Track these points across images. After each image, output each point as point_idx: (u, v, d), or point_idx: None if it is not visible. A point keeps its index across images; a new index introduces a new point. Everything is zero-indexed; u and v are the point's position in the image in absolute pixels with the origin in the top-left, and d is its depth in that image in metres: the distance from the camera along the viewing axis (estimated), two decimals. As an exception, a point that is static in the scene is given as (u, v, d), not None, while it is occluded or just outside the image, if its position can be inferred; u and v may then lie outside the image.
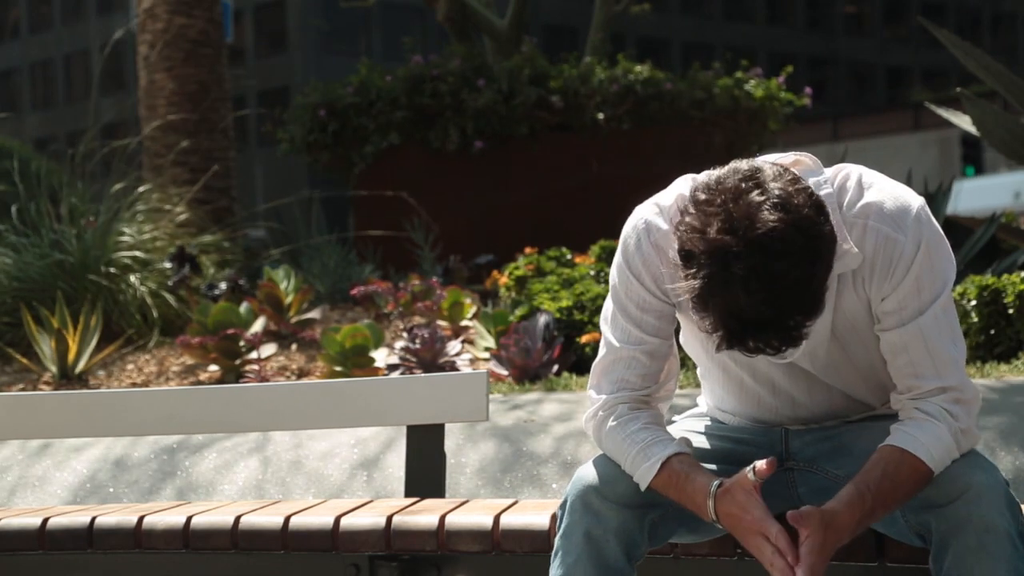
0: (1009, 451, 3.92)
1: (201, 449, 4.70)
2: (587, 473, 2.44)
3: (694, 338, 2.56)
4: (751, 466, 2.29)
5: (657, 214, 2.45)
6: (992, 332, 5.24)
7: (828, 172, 2.38)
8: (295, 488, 4.40)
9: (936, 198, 6.96)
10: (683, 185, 2.46)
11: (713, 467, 2.49)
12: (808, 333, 2.22)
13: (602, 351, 2.51)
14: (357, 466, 4.43)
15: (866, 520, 2.29)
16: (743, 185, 2.20)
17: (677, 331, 2.56)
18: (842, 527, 2.25)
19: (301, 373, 6.20)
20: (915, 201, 2.36)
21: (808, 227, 2.17)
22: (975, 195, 18.68)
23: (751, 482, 2.28)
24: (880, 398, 2.54)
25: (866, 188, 2.37)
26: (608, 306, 2.51)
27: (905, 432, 2.32)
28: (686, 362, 4.88)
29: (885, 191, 2.36)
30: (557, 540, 2.42)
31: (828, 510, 2.25)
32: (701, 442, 2.56)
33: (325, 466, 4.47)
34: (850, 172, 2.40)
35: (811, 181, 2.32)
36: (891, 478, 2.28)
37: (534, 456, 4.31)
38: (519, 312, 6.02)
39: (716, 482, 2.32)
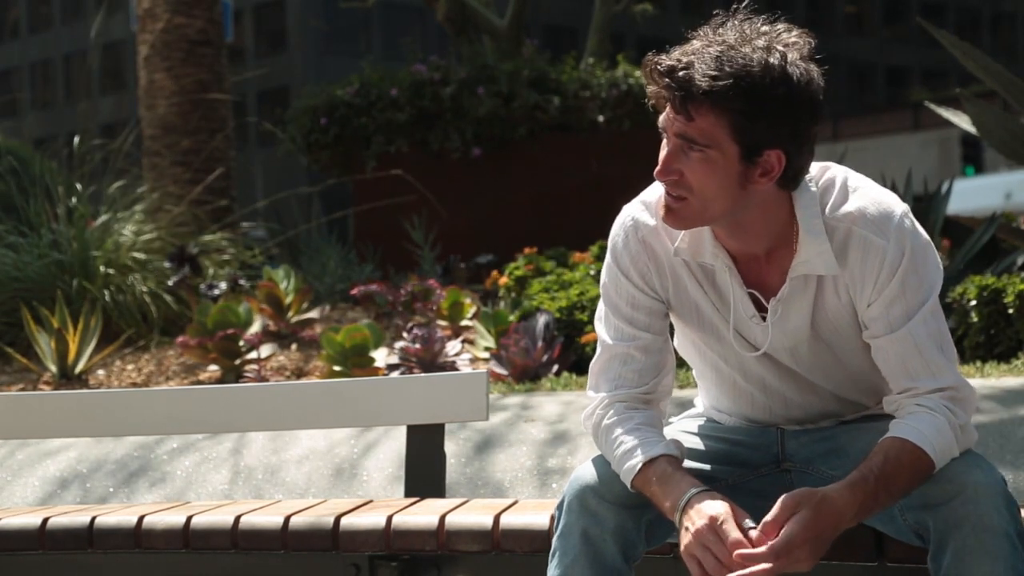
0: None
1: (180, 451, 4.70)
2: (584, 473, 2.44)
3: (687, 340, 2.57)
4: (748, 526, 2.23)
5: (643, 210, 2.47)
6: (992, 332, 5.24)
7: (813, 171, 2.39)
8: (273, 492, 4.40)
9: (936, 198, 6.96)
10: None
11: (708, 467, 2.49)
12: (688, 103, 2.24)
13: (598, 350, 2.52)
14: (340, 469, 4.42)
15: (869, 504, 2.24)
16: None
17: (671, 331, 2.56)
18: (843, 506, 2.21)
19: (300, 373, 6.20)
20: (898, 207, 2.36)
21: (795, 59, 2.27)
22: (967, 196, 18.68)
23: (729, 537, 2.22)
24: (873, 398, 2.54)
25: (851, 192, 2.37)
26: (601, 305, 2.52)
27: (906, 424, 2.31)
28: (686, 361, 4.88)
29: (869, 196, 2.36)
30: (555, 540, 2.41)
31: (822, 490, 2.22)
32: (697, 443, 2.56)
33: (308, 469, 4.47)
34: (835, 174, 2.40)
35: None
36: (893, 463, 2.26)
37: (534, 456, 4.31)
38: (519, 312, 6.02)
39: (690, 492, 2.28)
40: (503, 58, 9.81)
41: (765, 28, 2.29)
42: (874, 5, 55.20)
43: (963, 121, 6.37)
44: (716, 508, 2.23)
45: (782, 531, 2.19)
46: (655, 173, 2.32)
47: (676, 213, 2.33)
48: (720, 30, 2.30)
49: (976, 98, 6.27)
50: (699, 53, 2.26)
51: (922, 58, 52.86)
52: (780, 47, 2.26)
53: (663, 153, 2.32)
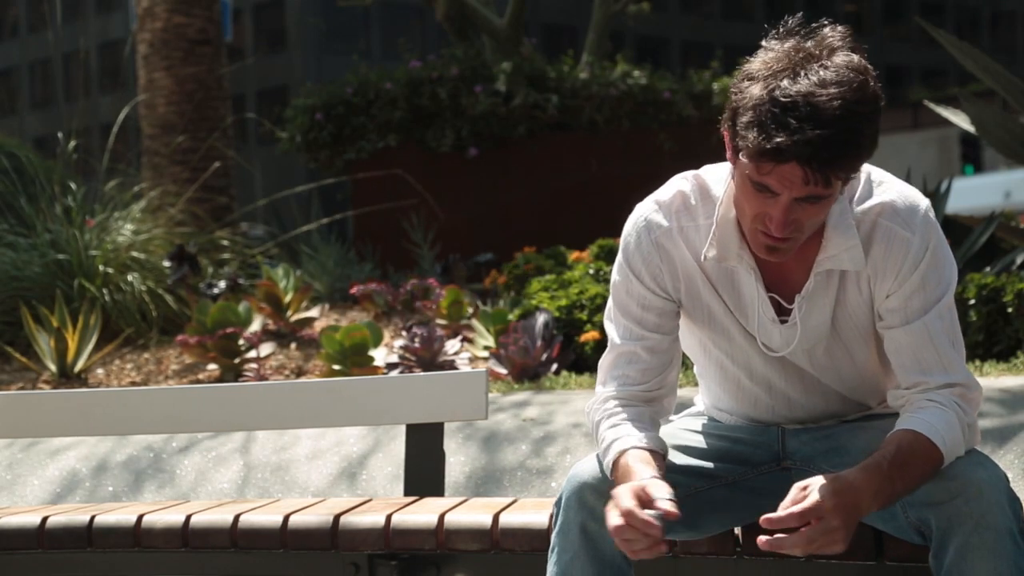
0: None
1: (185, 451, 4.70)
2: (582, 469, 2.44)
3: (693, 337, 2.57)
4: (659, 509, 2.21)
5: (657, 211, 2.46)
6: (991, 331, 5.24)
7: None
8: (277, 492, 4.40)
9: (935, 197, 6.96)
10: (682, 182, 2.47)
11: (708, 465, 2.49)
12: (830, 173, 2.18)
13: (608, 347, 2.53)
14: (341, 469, 4.42)
15: (885, 490, 2.22)
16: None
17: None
18: (859, 484, 2.19)
19: (300, 372, 6.20)
20: (922, 201, 2.39)
21: (872, 80, 2.23)
22: (966, 194, 18.70)
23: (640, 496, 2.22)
24: (876, 398, 2.54)
25: (876, 186, 2.39)
26: (610, 303, 2.52)
27: (918, 417, 2.31)
28: (685, 360, 4.88)
29: (895, 190, 2.39)
30: (553, 537, 2.42)
31: (842, 481, 2.19)
32: (697, 440, 2.56)
33: (309, 468, 4.47)
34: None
35: None
36: (907, 453, 2.26)
37: (533, 454, 4.31)
38: (518, 311, 6.02)
39: (644, 477, 2.27)
40: (502, 57, 9.81)
41: (833, 49, 2.25)
42: (874, 5, 55.18)
43: (962, 120, 6.37)
44: (620, 500, 2.23)
45: (807, 499, 2.17)
46: (774, 228, 2.24)
47: (782, 251, 2.30)
48: (804, 64, 2.22)
49: (975, 97, 6.28)
50: (817, 118, 2.16)
51: (921, 57, 52.86)
52: (861, 70, 2.23)
53: (775, 208, 2.24)
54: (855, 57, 2.25)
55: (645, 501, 2.21)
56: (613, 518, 2.21)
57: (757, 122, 2.20)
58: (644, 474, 2.29)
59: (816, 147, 2.16)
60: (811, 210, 2.26)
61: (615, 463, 2.35)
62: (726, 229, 2.39)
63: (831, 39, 2.26)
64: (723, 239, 2.39)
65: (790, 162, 2.18)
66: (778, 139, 2.17)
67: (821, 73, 2.20)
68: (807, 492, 2.18)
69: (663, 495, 2.22)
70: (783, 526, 2.17)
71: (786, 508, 2.18)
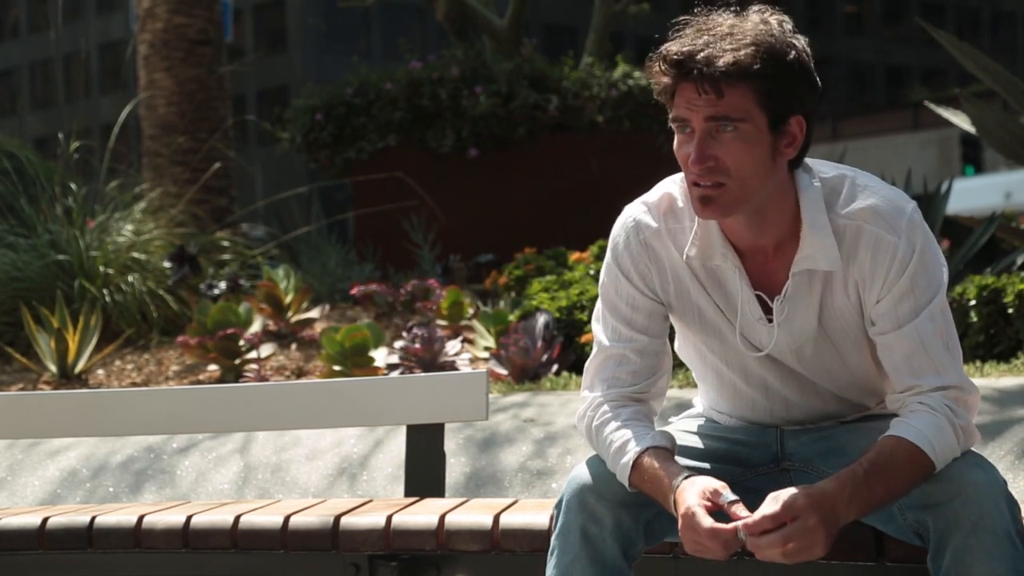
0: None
1: (184, 451, 4.70)
2: (582, 472, 2.44)
3: (688, 343, 2.57)
4: (727, 499, 2.25)
5: (645, 212, 2.46)
6: (992, 332, 5.24)
7: (817, 168, 2.41)
8: (277, 492, 4.40)
9: (936, 198, 6.96)
10: (670, 185, 2.48)
11: (706, 466, 2.50)
12: (720, 82, 2.25)
13: (593, 350, 2.53)
14: (341, 469, 4.42)
15: (863, 495, 2.23)
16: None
17: (672, 335, 2.56)
18: (831, 491, 2.21)
19: (300, 373, 6.20)
20: (908, 204, 2.37)
21: (786, 33, 2.32)
22: (966, 195, 18.71)
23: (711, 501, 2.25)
24: (874, 399, 2.54)
25: (860, 190, 2.38)
26: (598, 305, 2.52)
27: (905, 423, 2.31)
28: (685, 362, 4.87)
29: (879, 194, 2.38)
30: (553, 539, 2.41)
31: (815, 488, 2.21)
32: (695, 441, 2.56)
33: (309, 469, 4.47)
34: (843, 173, 2.41)
35: (801, 178, 2.37)
36: (886, 458, 2.26)
37: (533, 455, 4.31)
38: (518, 312, 6.03)
39: (681, 476, 2.30)
40: (502, 57, 9.81)
41: (747, 11, 2.34)
42: (874, 5, 55.20)
43: (963, 121, 6.37)
44: (687, 501, 2.25)
45: (780, 500, 2.19)
46: (691, 163, 2.28)
47: (716, 201, 2.31)
48: (705, 19, 2.32)
49: (975, 98, 6.28)
50: (707, 34, 2.27)
51: (922, 58, 52.87)
52: (773, 20, 2.32)
53: (693, 143, 2.29)
54: (774, 22, 2.32)
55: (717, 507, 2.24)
56: (704, 521, 2.21)
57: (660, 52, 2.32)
58: (677, 473, 2.30)
59: (700, 55, 2.24)
60: (728, 142, 2.27)
61: (635, 464, 2.35)
62: (708, 228, 2.39)
63: (752, 9, 2.35)
64: (705, 238, 2.40)
65: (686, 81, 2.27)
66: (671, 47, 2.28)
67: (728, 16, 2.32)
68: (780, 497, 2.20)
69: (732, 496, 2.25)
70: (759, 529, 2.18)
71: (761, 513, 2.20)
